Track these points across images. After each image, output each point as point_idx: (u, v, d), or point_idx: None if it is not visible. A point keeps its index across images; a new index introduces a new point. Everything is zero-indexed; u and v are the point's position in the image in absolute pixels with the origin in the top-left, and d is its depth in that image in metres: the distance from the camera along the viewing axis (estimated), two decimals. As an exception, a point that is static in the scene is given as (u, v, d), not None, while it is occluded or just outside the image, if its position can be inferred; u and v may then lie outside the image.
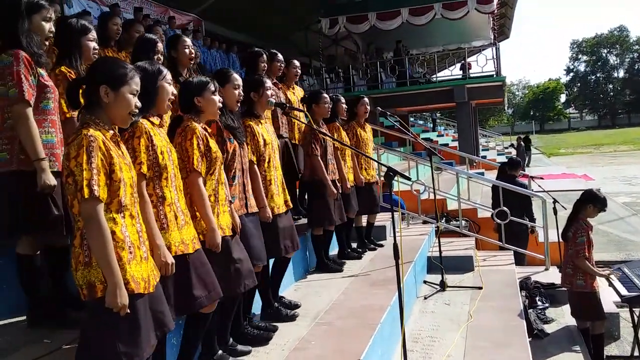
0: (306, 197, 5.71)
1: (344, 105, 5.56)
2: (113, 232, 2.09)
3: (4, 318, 3.21)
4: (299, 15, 20.25)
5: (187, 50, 4.16)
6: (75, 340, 2.72)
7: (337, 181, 5.16)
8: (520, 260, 7.10)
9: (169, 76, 2.68)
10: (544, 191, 7.98)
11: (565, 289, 5.68)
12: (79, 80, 2.28)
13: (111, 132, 2.21)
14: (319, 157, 4.92)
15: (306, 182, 5.22)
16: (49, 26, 3.08)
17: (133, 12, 11.39)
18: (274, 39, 19.80)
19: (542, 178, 8.97)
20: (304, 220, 5.39)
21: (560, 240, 6.22)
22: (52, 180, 2.85)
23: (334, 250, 5.71)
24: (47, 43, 3.12)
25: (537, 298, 6.08)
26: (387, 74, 17.83)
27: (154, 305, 2.28)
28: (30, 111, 2.84)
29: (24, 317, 3.14)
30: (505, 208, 6.95)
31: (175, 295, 2.56)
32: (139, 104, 2.28)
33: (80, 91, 2.25)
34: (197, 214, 2.84)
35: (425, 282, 5.71)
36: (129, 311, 2.08)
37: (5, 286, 3.26)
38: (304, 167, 5.21)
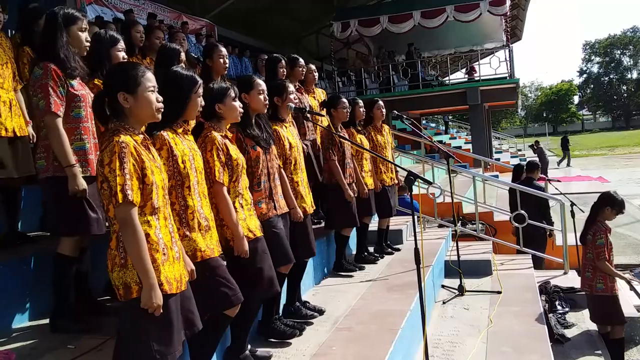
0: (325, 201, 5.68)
1: (362, 109, 5.53)
2: (147, 235, 2.15)
3: (26, 321, 3.25)
4: (310, 19, 20.34)
5: (222, 60, 4.33)
6: (100, 346, 2.74)
7: (354, 185, 5.14)
8: (538, 264, 7.03)
9: (201, 89, 2.71)
10: (561, 194, 7.92)
11: (585, 293, 5.62)
12: (100, 95, 2.32)
13: (141, 136, 2.26)
14: (337, 162, 4.92)
15: (325, 186, 5.21)
16: (85, 36, 3.19)
17: (147, 18, 11.45)
18: (285, 43, 19.89)
19: (559, 181, 8.90)
20: (321, 224, 5.39)
21: (579, 243, 6.16)
22: (82, 185, 2.96)
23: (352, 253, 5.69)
24: (84, 53, 3.22)
25: (557, 302, 6.02)
26: (400, 77, 17.78)
27: (185, 304, 2.35)
28: (59, 122, 2.95)
29: (45, 321, 3.16)
30: (523, 211, 6.88)
31: (198, 300, 2.56)
32: (160, 98, 2.32)
33: (105, 103, 2.29)
34: (224, 222, 2.87)
35: (443, 286, 5.67)
36: (162, 311, 2.14)
37: (29, 291, 3.29)
38: (323, 171, 5.21)
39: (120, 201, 2.07)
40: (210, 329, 2.82)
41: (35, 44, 3.99)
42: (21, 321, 3.24)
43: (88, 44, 3.23)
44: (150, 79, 2.29)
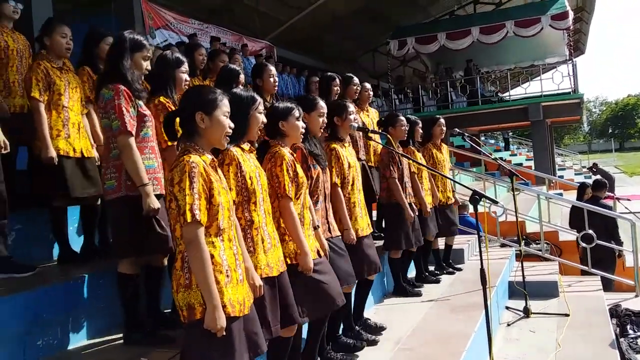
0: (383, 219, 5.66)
1: (421, 130, 5.51)
2: (212, 256, 2.15)
3: (102, 335, 3.37)
4: (366, 38, 20.45)
5: (272, 79, 4.39)
6: (171, 359, 2.83)
7: (413, 204, 5.11)
8: (606, 286, 6.74)
9: (261, 106, 2.78)
10: (631, 212, 7.61)
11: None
12: (174, 113, 2.41)
13: (210, 157, 2.30)
14: (396, 180, 4.90)
15: (383, 205, 5.21)
16: (146, 64, 3.31)
17: (210, 41, 11.81)
18: (342, 62, 20.07)
19: (629, 199, 8.55)
20: (380, 243, 5.37)
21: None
22: (156, 204, 3.03)
23: (411, 273, 5.64)
24: (142, 79, 3.34)
25: (629, 326, 5.74)
26: (458, 94, 17.57)
27: (249, 326, 2.33)
28: (132, 141, 3.03)
29: (119, 335, 3.29)
30: (591, 231, 6.64)
31: (262, 317, 2.60)
32: (232, 125, 2.38)
33: (177, 122, 2.38)
34: (286, 237, 2.90)
35: (507, 308, 5.53)
36: (225, 333, 2.13)
37: (103, 305, 3.44)
38: (380, 190, 5.20)
39: (189, 220, 2.09)
40: (272, 350, 2.82)
41: (95, 64, 4.17)
42: (96, 334, 3.37)
43: (147, 72, 3.34)
44: (226, 104, 2.36)
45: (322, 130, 3.50)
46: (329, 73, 5.32)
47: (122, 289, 3.18)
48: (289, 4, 15.85)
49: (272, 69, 4.44)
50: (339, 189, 3.68)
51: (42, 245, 4.05)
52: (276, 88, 4.47)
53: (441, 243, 6.04)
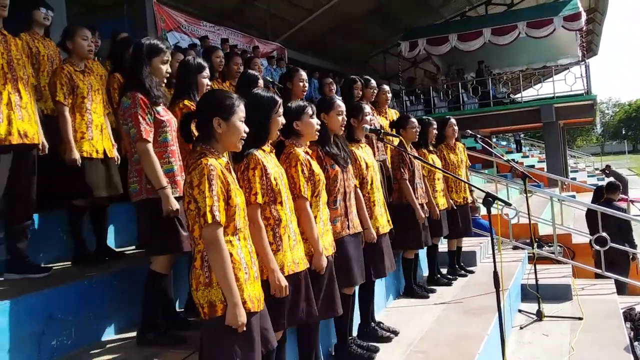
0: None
1: (435, 131, 5.49)
2: (230, 255, 2.22)
3: (115, 335, 3.41)
4: (377, 39, 20.47)
5: (301, 84, 4.55)
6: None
7: (425, 205, 5.09)
8: (620, 289, 6.68)
9: (281, 109, 2.81)
10: (645, 215, 7.54)
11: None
12: (190, 115, 2.45)
13: (225, 160, 2.35)
14: (407, 181, 4.89)
15: (394, 206, 5.19)
16: (166, 68, 3.36)
17: (220, 43, 11.85)
18: (352, 64, 20.09)
19: (643, 202, 8.47)
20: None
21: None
22: (175, 205, 3.11)
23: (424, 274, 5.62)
24: (164, 83, 3.39)
25: (643, 330, 5.68)
26: (469, 95, 17.50)
27: (262, 322, 2.41)
28: (150, 147, 3.11)
29: (132, 335, 3.31)
30: (604, 234, 6.58)
31: (287, 310, 2.69)
32: (247, 129, 2.41)
33: (193, 125, 2.42)
34: (304, 236, 2.94)
35: (520, 311, 5.49)
36: (245, 329, 2.20)
37: (117, 305, 3.46)
38: (392, 191, 5.19)
39: (210, 222, 2.15)
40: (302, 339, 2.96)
41: (125, 69, 4.26)
42: (109, 334, 3.40)
43: (168, 74, 3.40)
44: (242, 109, 2.40)
45: (342, 128, 3.52)
46: (352, 76, 5.33)
47: (152, 287, 3.23)
48: (299, 5, 15.90)
49: (303, 73, 4.59)
50: (358, 190, 3.71)
51: (56, 246, 4.09)
52: (305, 92, 4.59)
53: (454, 245, 6.00)
